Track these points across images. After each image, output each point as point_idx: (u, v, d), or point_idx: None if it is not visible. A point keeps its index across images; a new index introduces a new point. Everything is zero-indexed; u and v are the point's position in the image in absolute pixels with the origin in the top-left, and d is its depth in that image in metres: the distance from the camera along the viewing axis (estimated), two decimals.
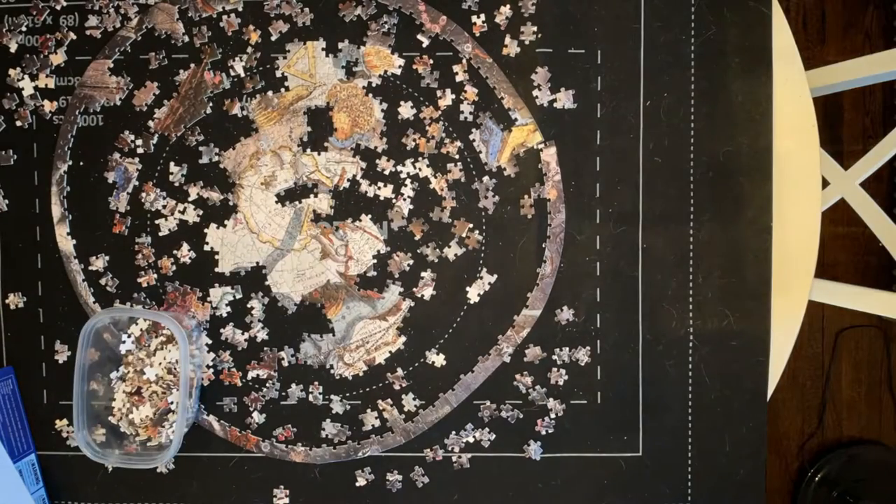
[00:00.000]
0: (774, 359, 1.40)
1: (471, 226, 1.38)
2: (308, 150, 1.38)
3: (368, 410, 1.41)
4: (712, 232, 1.38)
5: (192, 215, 1.39)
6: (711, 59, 1.37)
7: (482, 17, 1.36)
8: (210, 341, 1.41)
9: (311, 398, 1.41)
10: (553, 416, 1.40)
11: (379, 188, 1.38)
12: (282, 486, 1.43)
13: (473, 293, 1.38)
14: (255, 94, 1.38)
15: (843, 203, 1.72)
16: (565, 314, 1.39)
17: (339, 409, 1.41)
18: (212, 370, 1.41)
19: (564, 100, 1.37)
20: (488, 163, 1.38)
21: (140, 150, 1.39)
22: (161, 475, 1.43)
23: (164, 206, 1.39)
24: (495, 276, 1.38)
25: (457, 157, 1.37)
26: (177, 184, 1.39)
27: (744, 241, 1.38)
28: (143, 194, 1.39)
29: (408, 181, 1.38)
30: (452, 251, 1.38)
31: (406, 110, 1.37)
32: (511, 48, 1.36)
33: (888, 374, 2.52)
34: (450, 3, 1.37)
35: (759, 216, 1.38)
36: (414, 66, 1.37)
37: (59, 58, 1.39)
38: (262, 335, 1.40)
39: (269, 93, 1.38)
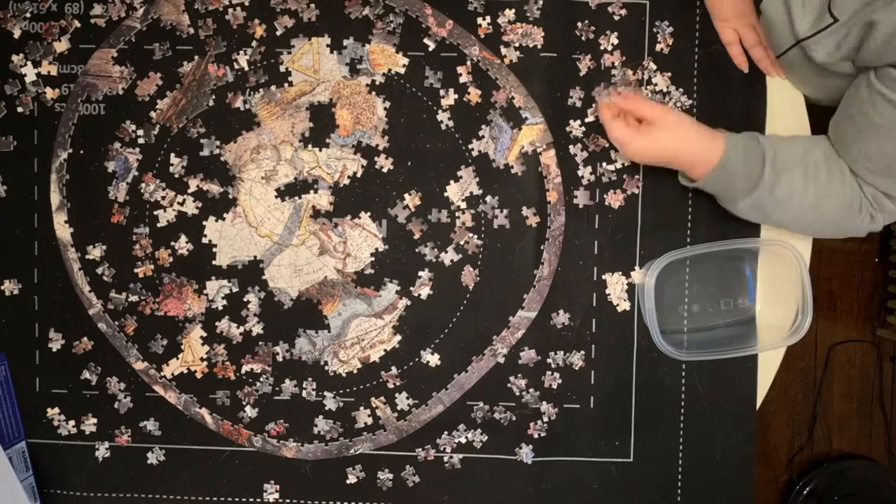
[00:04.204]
0: (765, 368, 1.41)
1: (471, 225, 1.38)
2: (310, 146, 1.38)
3: (361, 408, 1.41)
4: (708, 239, 1.38)
5: (191, 207, 1.39)
6: (713, 69, 1.37)
7: (487, 18, 1.36)
8: (205, 334, 1.40)
9: (304, 394, 1.41)
10: (546, 419, 1.40)
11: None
12: (272, 481, 1.42)
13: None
14: (258, 88, 1.38)
15: None
16: (561, 318, 1.39)
17: (332, 406, 1.41)
18: (206, 363, 1.41)
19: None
20: (496, 160, 1.38)
21: (141, 141, 1.39)
22: (151, 466, 1.42)
23: (164, 198, 1.39)
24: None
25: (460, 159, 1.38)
26: (177, 175, 1.39)
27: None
28: (143, 185, 1.39)
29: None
30: (449, 256, 1.39)
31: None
32: (511, 54, 1.37)
33: (879, 389, 2.52)
34: (455, 4, 1.37)
35: (749, 224, 1.38)
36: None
37: (62, 45, 1.39)
38: (257, 329, 1.40)
39: (273, 87, 1.38)
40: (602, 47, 1.37)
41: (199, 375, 1.41)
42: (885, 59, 1.10)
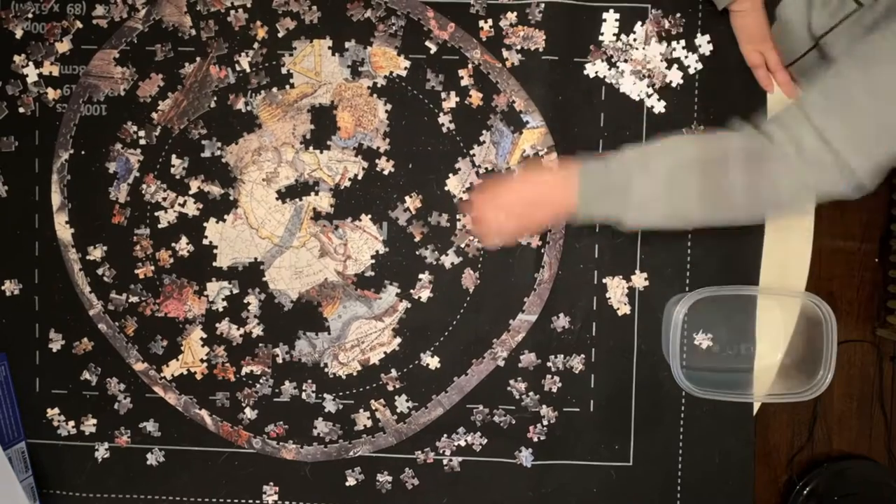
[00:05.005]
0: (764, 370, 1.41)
1: (472, 228, 1.38)
2: (311, 148, 1.38)
3: (361, 410, 1.41)
4: (708, 244, 1.38)
5: (191, 208, 1.39)
6: (714, 70, 1.37)
7: (489, 21, 1.36)
8: (205, 335, 1.40)
9: (304, 396, 1.41)
10: (545, 422, 1.40)
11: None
12: (271, 483, 1.43)
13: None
14: (259, 89, 1.38)
15: (841, 217, 1.72)
16: (561, 321, 1.39)
17: (331, 408, 1.41)
18: (206, 364, 1.41)
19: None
20: (497, 164, 1.37)
21: (142, 142, 1.39)
22: (151, 467, 1.43)
23: (165, 199, 1.39)
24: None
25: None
26: (178, 176, 1.39)
27: (737, 253, 1.38)
28: (144, 186, 1.39)
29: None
30: (450, 259, 1.38)
31: None
32: (513, 57, 1.37)
33: (879, 389, 2.52)
34: (457, 7, 1.37)
35: (752, 229, 1.38)
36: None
37: (64, 46, 1.39)
38: (257, 331, 1.40)
39: (274, 89, 1.38)
40: (603, 50, 1.36)
41: (198, 377, 1.41)
42: None
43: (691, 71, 1.37)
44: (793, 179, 1.07)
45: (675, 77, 1.37)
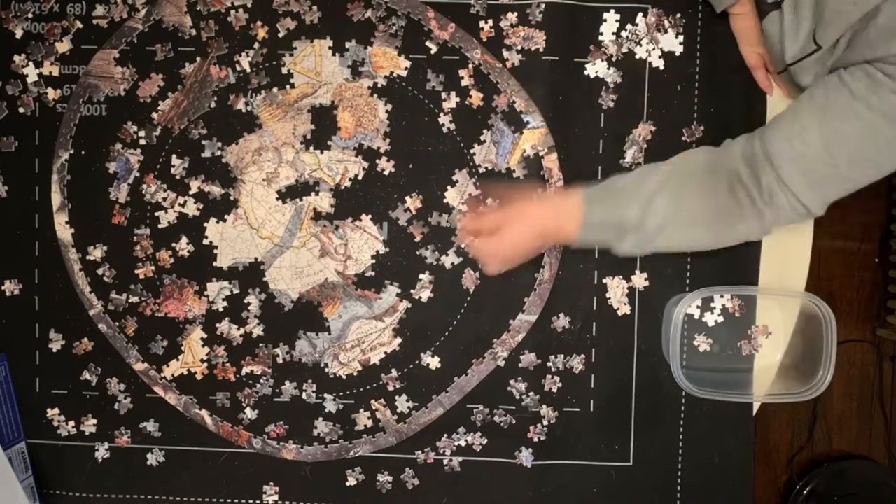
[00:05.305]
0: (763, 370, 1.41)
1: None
2: (311, 148, 1.38)
3: (361, 410, 1.41)
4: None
5: (192, 209, 1.39)
6: (714, 69, 1.37)
7: (490, 22, 1.36)
8: (205, 335, 1.40)
9: (304, 396, 1.41)
10: (545, 423, 1.40)
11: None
12: (271, 483, 1.43)
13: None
14: (259, 89, 1.38)
15: (841, 217, 1.72)
16: (561, 321, 1.39)
17: (331, 408, 1.41)
18: (206, 364, 1.41)
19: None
20: (498, 164, 1.37)
21: (142, 142, 1.39)
22: (151, 467, 1.43)
23: (165, 199, 1.39)
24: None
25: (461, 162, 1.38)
26: (178, 176, 1.39)
27: (736, 253, 1.38)
28: (144, 186, 1.39)
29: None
30: (450, 259, 1.38)
31: None
32: (513, 57, 1.37)
33: (879, 389, 2.52)
34: (457, 7, 1.37)
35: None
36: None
37: (64, 46, 1.38)
38: (257, 331, 1.40)
39: (275, 89, 1.38)
40: (603, 50, 1.36)
41: (199, 377, 1.41)
42: (877, 51, 1.08)
43: (691, 70, 1.37)
44: (756, 221, 1.19)
45: (675, 77, 1.37)
